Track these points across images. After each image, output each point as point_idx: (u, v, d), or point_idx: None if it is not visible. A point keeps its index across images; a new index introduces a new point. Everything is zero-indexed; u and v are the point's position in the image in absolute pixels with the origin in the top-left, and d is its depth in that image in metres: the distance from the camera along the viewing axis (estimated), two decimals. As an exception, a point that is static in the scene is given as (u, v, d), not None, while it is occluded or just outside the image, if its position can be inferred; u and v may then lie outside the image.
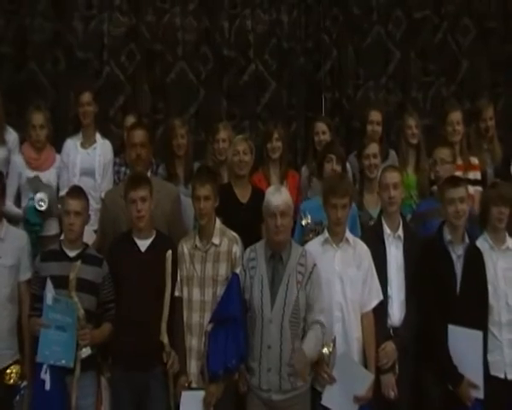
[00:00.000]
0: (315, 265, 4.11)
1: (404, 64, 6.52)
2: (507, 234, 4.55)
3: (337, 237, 4.29)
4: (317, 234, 4.53)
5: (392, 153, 5.83)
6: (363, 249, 4.32)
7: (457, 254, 4.36)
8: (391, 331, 4.37)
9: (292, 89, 6.31)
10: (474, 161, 5.68)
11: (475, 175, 5.61)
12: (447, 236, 4.39)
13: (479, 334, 4.15)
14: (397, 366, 4.32)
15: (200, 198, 4.25)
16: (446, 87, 6.56)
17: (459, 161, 5.56)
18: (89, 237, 4.71)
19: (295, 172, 5.59)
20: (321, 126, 5.68)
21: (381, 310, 4.33)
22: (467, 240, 4.38)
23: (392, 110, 6.39)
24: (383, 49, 6.50)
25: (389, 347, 4.29)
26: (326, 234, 4.33)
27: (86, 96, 5.43)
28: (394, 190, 4.47)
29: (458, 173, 5.42)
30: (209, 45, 6.24)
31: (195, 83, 6.22)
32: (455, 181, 4.50)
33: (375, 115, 5.77)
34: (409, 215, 5.12)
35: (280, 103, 6.29)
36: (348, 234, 4.33)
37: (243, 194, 4.93)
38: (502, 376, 4.35)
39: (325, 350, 4.05)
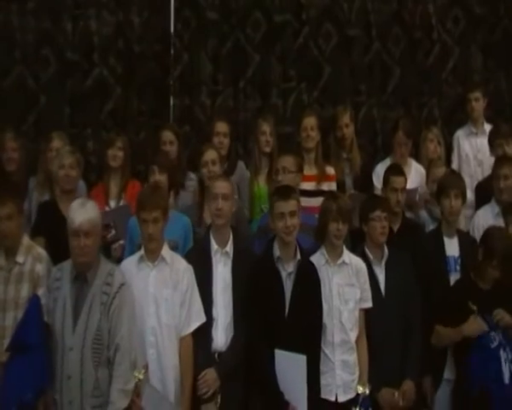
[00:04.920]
0: (122, 284, 3.76)
1: (263, 69, 6.25)
2: (344, 247, 4.30)
3: (152, 255, 3.98)
4: None
5: (241, 164, 5.54)
6: (181, 267, 4.02)
7: (287, 271, 4.07)
8: (216, 356, 4.06)
9: (141, 95, 5.96)
10: (330, 170, 5.44)
11: (330, 186, 5.36)
12: (276, 252, 4.08)
13: (302, 358, 3.84)
14: (219, 396, 4.00)
15: (0, 219, 3.91)
16: (308, 93, 6.31)
17: (314, 171, 5.35)
18: None
19: (137, 183, 5.24)
20: (168, 136, 5.38)
21: (203, 333, 4.03)
22: (298, 256, 4.09)
23: (250, 117, 6.10)
24: (242, 53, 6.21)
25: (210, 374, 4.00)
26: (142, 251, 4.01)
27: None
28: (223, 200, 4.17)
29: (311, 184, 5.25)
30: (51, 47, 5.81)
31: (35, 88, 5.78)
32: (285, 193, 4.17)
33: (221, 127, 5.46)
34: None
35: (127, 110, 5.93)
36: (165, 251, 4.03)
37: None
38: (333, 399, 4.12)
39: (135, 375, 3.67)
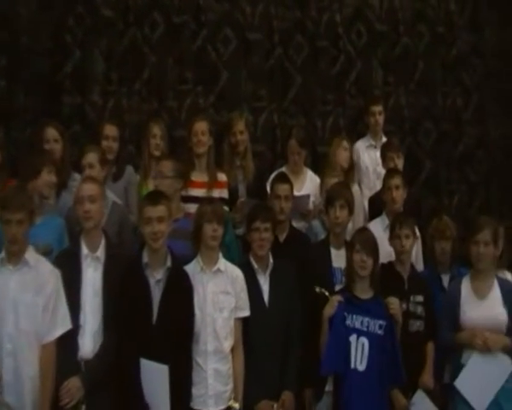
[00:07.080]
0: None
1: (160, 70, 6.11)
2: (220, 255, 4.21)
3: (14, 258, 3.77)
4: None
5: (129, 168, 5.38)
6: (46, 271, 3.83)
7: (156, 278, 3.94)
8: (82, 364, 3.88)
9: (28, 91, 5.70)
10: (222, 177, 5.33)
11: (221, 193, 5.25)
12: (145, 258, 3.97)
13: (164, 368, 3.74)
14: (83, 406, 3.83)
15: None
16: (204, 97, 6.21)
17: (204, 177, 5.23)
18: None
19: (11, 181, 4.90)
20: (52, 133, 5.10)
21: (68, 340, 3.84)
22: (169, 263, 3.97)
23: (144, 119, 5.90)
24: (138, 53, 6.04)
25: (73, 383, 3.82)
26: (3, 254, 3.80)
27: None
28: (91, 203, 4.02)
29: (201, 191, 5.13)
30: None
31: None
32: (154, 198, 4.08)
33: (111, 130, 5.29)
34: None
35: (12, 106, 5.66)
36: (29, 254, 3.81)
37: None
38: (205, 409, 4.00)
39: None
